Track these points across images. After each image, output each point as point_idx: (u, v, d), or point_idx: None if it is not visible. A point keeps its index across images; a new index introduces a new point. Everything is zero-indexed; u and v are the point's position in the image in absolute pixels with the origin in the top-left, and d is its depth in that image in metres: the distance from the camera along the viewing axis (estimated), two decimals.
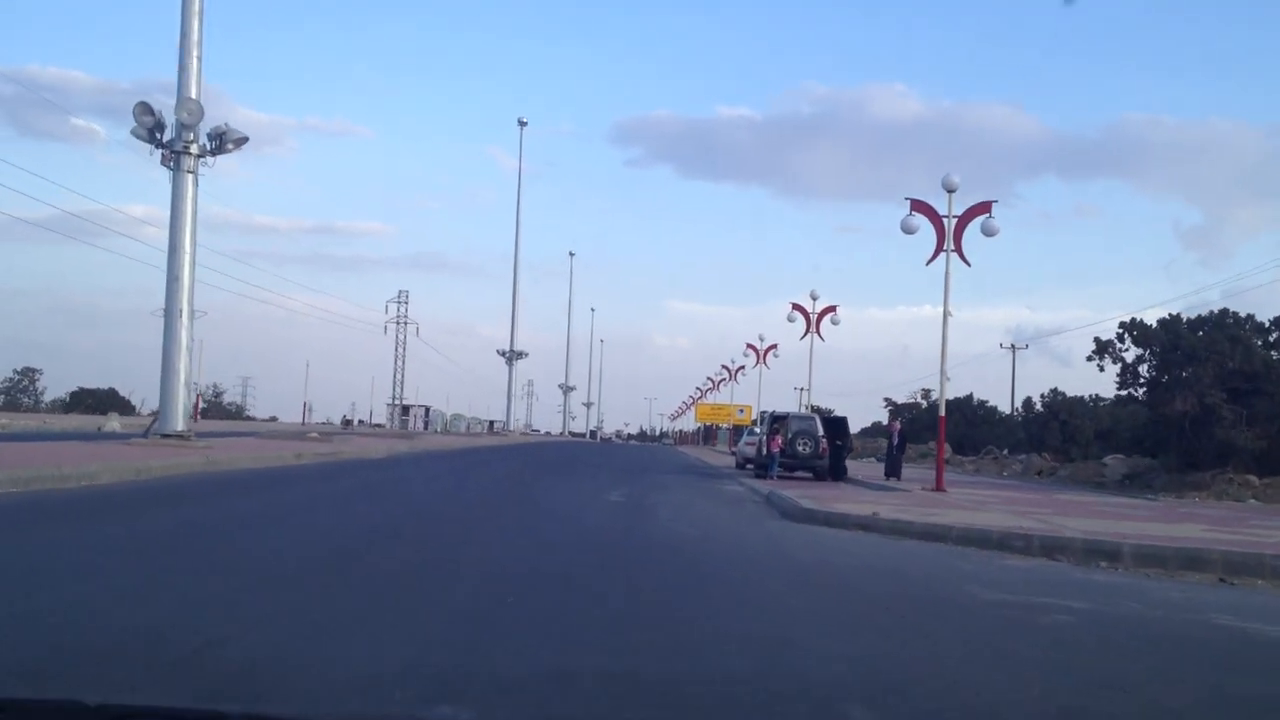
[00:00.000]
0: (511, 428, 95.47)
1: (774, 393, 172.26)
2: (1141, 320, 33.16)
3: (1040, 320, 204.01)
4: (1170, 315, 33.13)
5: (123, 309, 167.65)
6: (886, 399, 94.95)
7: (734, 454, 54.05)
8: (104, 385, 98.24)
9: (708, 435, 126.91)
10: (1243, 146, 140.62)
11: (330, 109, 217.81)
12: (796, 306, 45.62)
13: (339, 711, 3.82)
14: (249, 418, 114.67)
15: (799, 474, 31.75)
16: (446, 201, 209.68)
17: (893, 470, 31.65)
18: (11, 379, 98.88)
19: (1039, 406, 57.63)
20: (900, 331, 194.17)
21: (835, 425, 33.32)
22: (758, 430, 40.15)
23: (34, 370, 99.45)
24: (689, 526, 15.21)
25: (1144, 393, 33.96)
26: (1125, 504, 24.54)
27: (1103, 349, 33.63)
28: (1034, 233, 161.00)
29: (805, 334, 45.36)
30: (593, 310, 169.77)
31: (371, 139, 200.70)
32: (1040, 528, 15.82)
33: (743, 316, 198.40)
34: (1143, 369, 33.30)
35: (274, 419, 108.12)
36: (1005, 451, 53.53)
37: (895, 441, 33.01)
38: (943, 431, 26.01)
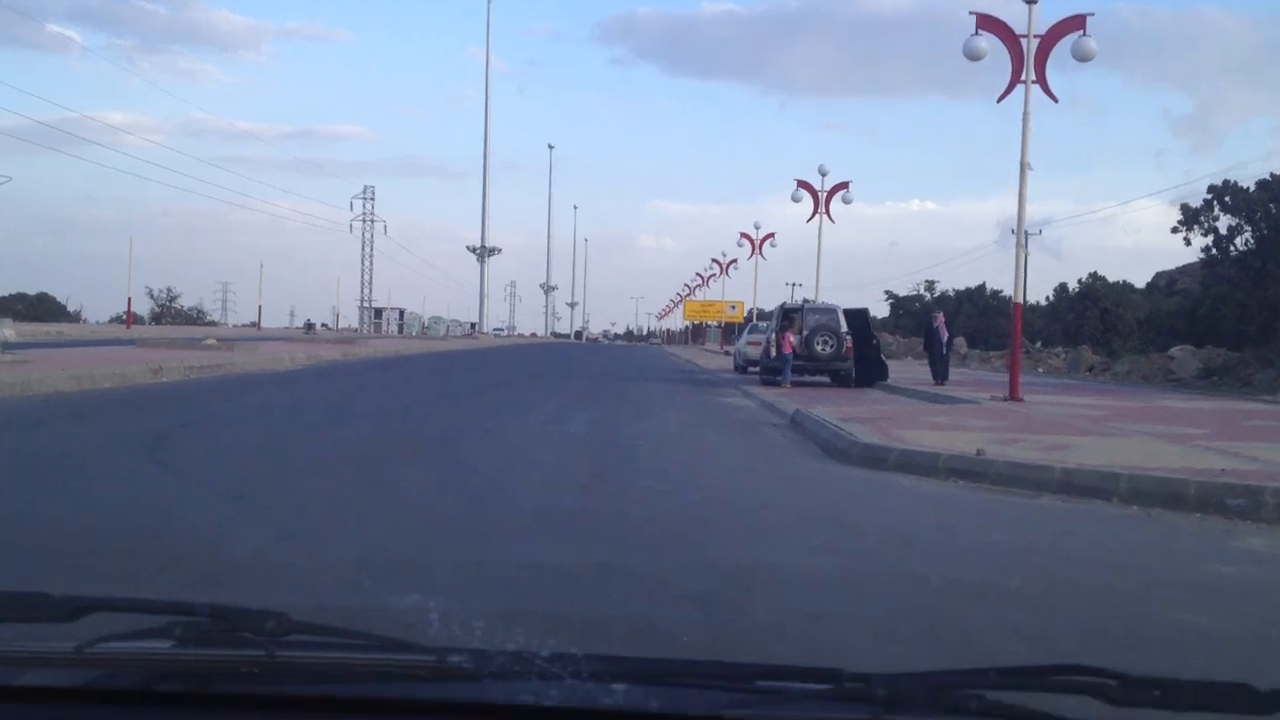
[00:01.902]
0: (486, 330, 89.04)
1: (768, 291, 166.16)
2: (1236, 183, 26.81)
3: (1030, 212, 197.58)
4: (1273, 175, 26.59)
5: (99, 218, 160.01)
6: (888, 291, 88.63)
7: (730, 355, 47.85)
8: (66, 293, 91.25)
9: (696, 334, 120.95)
10: (1232, 35, 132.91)
11: (309, 13, 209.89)
12: (803, 184, 39.03)
13: (306, 603, 3.88)
14: (211, 323, 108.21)
15: (817, 379, 25.64)
16: (428, 105, 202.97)
17: (941, 373, 25.45)
18: None
19: (1073, 292, 51.29)
20: (887, 228, 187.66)
21: (858, 319, 27.05)
22: (762, 326, 33.93)
23: None
24: (689, 491, 9.01)
25: (1234, 270, 27.77)
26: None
27: (1193, 218, 27.31)
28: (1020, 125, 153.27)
29: (813, 215, 38.89)
30: (575, 208, 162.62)
31: (350, 42, 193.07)
32: (1247, 468, 9.80)
33: (730, 215, 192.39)
34: (1238, 241, 27.04)
35: (254, 325, 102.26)
36: (1038, 345, 47.42)
37: (943, 337, 26.61)
38: (1019, 320, 19.76)
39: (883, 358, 26.99)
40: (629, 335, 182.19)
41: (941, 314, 28.58)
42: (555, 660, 1.39)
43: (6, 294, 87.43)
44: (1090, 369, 35.61)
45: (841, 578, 5.70)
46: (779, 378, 24.76)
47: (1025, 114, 18.93)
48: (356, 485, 8.67)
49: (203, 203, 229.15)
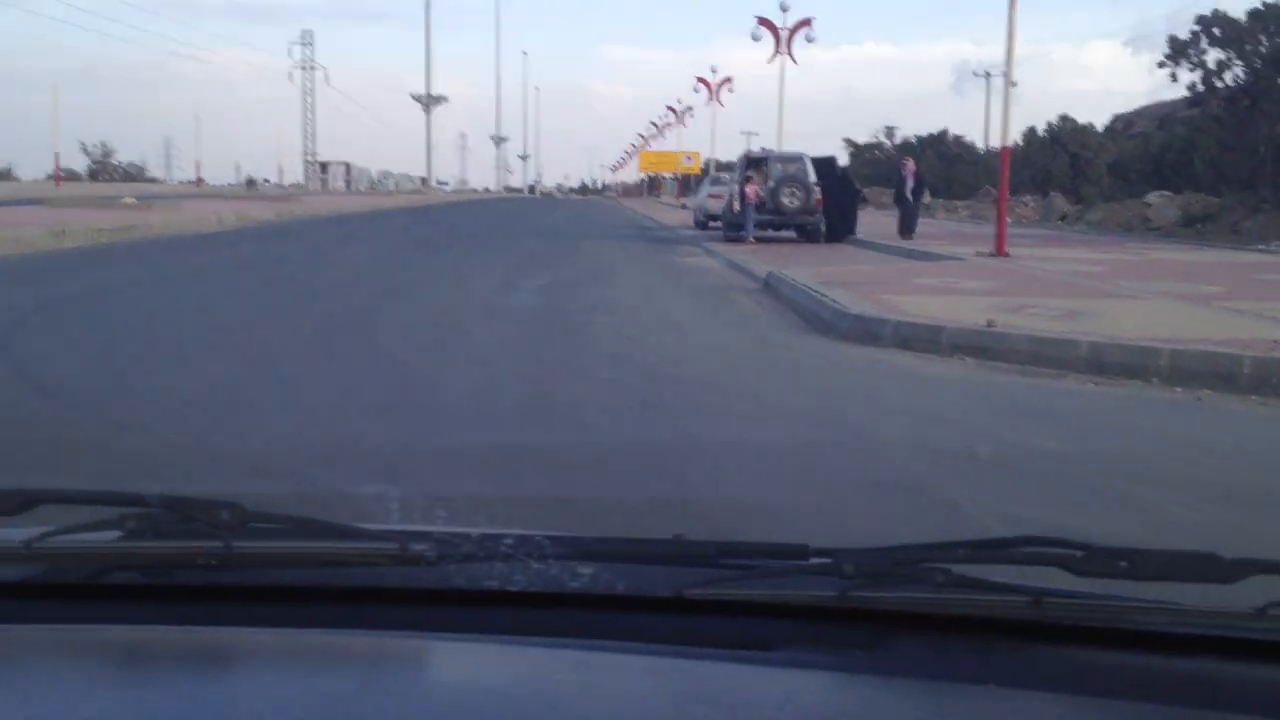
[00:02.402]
0: (434, 184, 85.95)
1: (725, 142, 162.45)
2: (1225, 13, 24.91)
3: (984, 55, 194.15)
4: (1266, 2, 24.65)
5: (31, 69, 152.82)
6: (847, 140, 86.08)
7: (688, 209, 45.98)
8: None
9: (652, 186, 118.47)
10: None
11: None
12: (763, 21, 36.75)
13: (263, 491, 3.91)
14: (151, 180, 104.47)
15: (783, 234, 24.04)
16: None
17: (909, 226, 23.86)
18: None
19: (1042, 135, 49.34)
20: (843, 75, 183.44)
21: (826, 168, 25.32)
22: (724, 178, 32.11)
23: None
24: (658, 384, 7.46)
25: (1223, 109, 26.06)
26: None
27: (1180, 50, 25.44)
28: None
29: (774, 55, 36.75)
30: (524, 54, 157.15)
31: None
32: None
33: (685, 62, 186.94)
34: (1227, 77, 25.27)
35: (196, 182, 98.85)
36: None
37: (911, 186, 24.87)
38: (1006, 167, 18.02)
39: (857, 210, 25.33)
40: (583, 189, 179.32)
41: (911, 161, 26.72)
42: (521, 544, 1.36)
43: None
44: (1063, 217, 34.18)
45: (849, 509, 4.32)
46: (742, 233, 23.17)
47: None
48: (249, 378, 7.09)
49: (140, 53, 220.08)
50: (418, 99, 75.93)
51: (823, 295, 11.08)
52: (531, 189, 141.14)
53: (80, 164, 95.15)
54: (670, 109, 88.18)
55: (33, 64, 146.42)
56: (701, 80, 61.66)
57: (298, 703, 1.09)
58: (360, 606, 1.35)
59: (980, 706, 1.19)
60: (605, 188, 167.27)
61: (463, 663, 1.26)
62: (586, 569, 1.35)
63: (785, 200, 23.13)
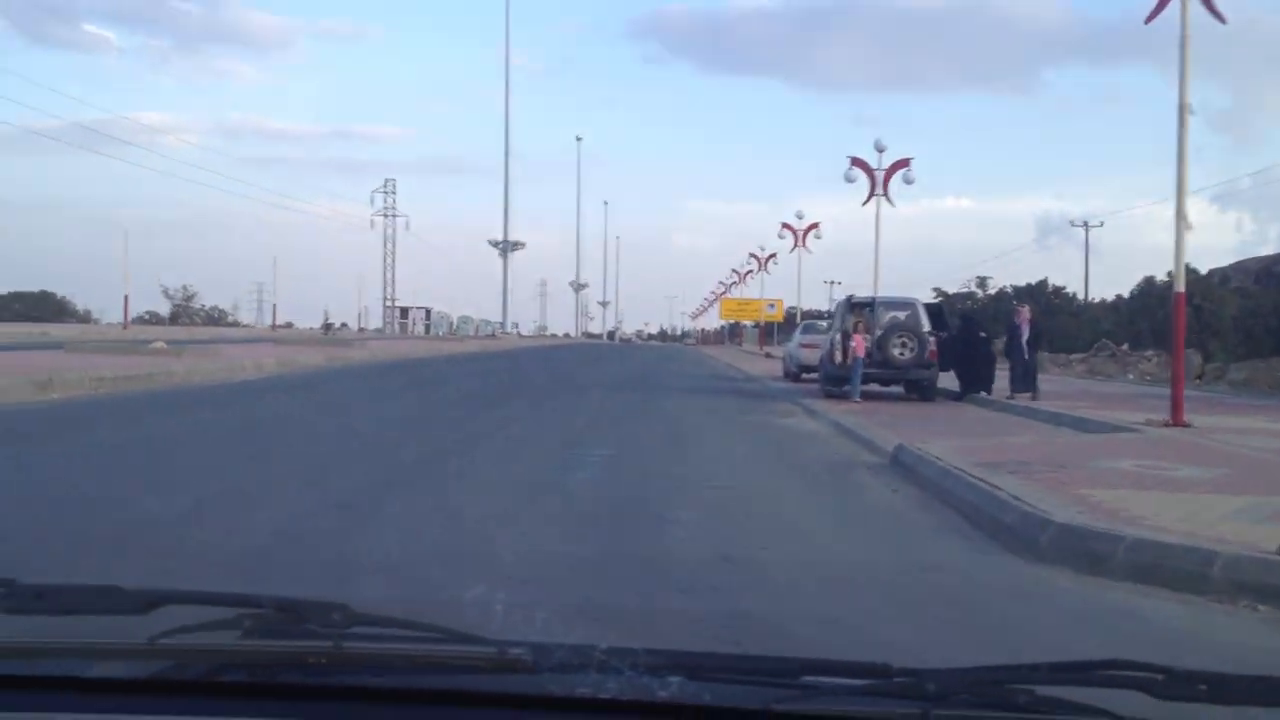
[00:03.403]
0: (509, 329, 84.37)
1: (807, 290, 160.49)
2: None
3: (1067, 208, 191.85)
4: None
5: (128, 219, 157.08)
6: (936, 289, 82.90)
7: (773, 358, 43.07)
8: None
9: (733, 334, 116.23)
10: (1273, 28, 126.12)
11: (341, 10, 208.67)
12: (858, 162, 34.13)
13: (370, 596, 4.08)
14: (233, 323, 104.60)
15: (889, 391, 20.97)
16: (458, 102, 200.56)
17: (1028, 382, 20.51)
18: None
19: (1160, 285, 45.82)
20: (925, 226, 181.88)
21: (938, 315, 22.34)
22: (820, 325, 29.22)
23: None
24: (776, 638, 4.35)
25: None
26: None
27: None
28: (1057, 122, 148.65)
29: (869, 197, 34.03)
30: (606, 204, 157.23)
31: (381, 39, 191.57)
32: None
33: (765, 212, 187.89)
34: None
35: (289, 325, 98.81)
36: (1125, 346, 42.09)
37: (1027, 336, 21.64)
38: (1181, 314, 14.74)
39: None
40: (662, 335, 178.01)
41: (1026, 308, 23.43)
42: (613, 654, 1.39)
43: (5, 292, 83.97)
44: (1199, 375, 30.64)
45: None
46: (845, 388, 20.11)
47: (1184, 38, 14.23)
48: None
49: (239, 203, 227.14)
50: (495, 244, 74.86)
51: (992, 487, 7.94)
52: (611, 335, 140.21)
53: (164, 306, 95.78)
54: (753, 255, 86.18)
55: (132, 212, 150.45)
56: (787, 226, 59.29)
57: None
58: (460, 709, 1.38)
59: None
60: (685, 334, 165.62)
61: None
62: (675, 679, 1.36)
63: (896, 352, 20.08)
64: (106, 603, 1.47)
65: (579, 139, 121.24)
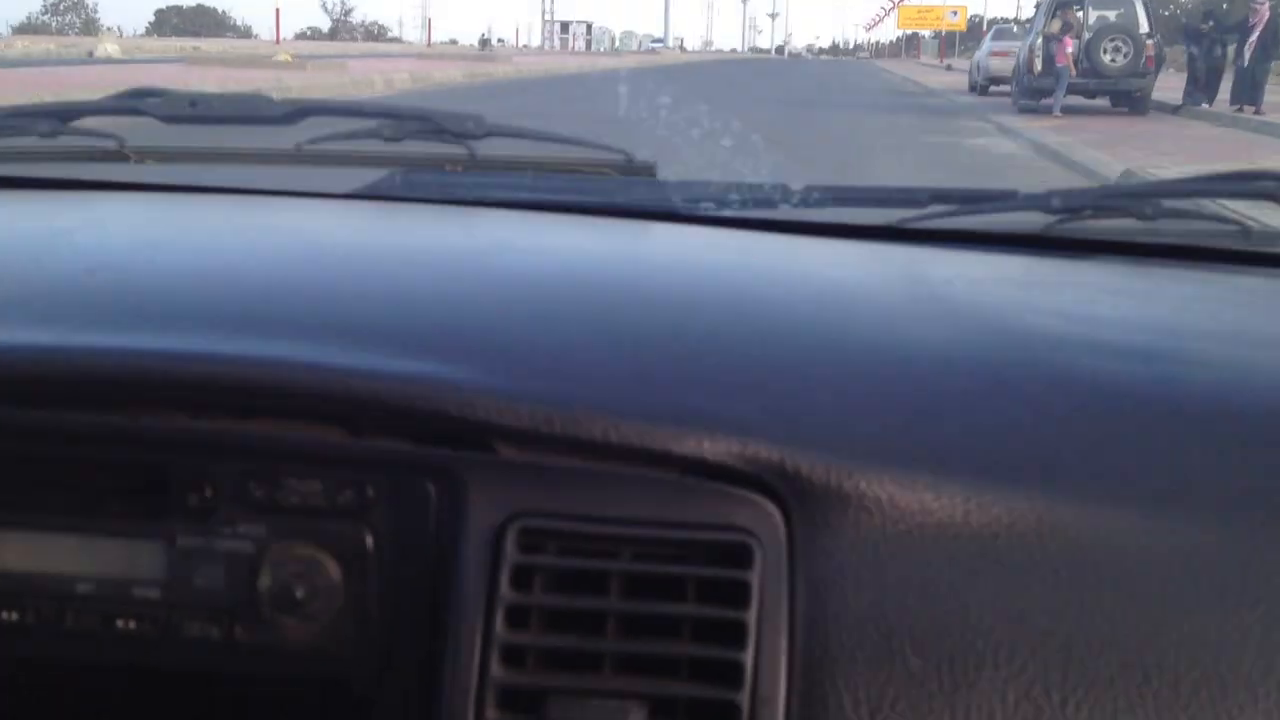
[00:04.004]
0: (670, 45, 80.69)
1: None
2: None
3: None
4: None
5: None
6: None
7: (953, 70, 39.41)
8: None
9: (909, 46, 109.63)
10: None
11: None
12: None
13: None
14: (393, 39, 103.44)
15: (1093, 105, 18.24)
16: None
17: (1249, 92, 17.39)
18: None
19: None
20: None
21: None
22: (1013, 30, 26.02)
23: None
24: None
25: None
26: None
27: None
28: None
29: None
30: None
31: None
32: None
33: None
34: None
35: (454, 42, 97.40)
36: None
37: (1254, 37, 18.20)
38: None
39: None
40: (834, 49, 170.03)
41: (1265, 5, 19.86)
42: (742, 187, 1.37)
43: (164, 5, 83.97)
44: None
45: None
46: (1043, 101, 17.52)
47: None
48: None
49: None
50: None
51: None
52: (780, 50, 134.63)
53: (323, 21, 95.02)
54: None
55: None
56: None
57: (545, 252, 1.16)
58: (585, 216, 1.35)
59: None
60: (858, 48, 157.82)
61: (685, 242, 1.28)
62: (800, 191, 1.33)
63: (1108, 58, 17.23)
64: (255, 111, 1.48)
65: None
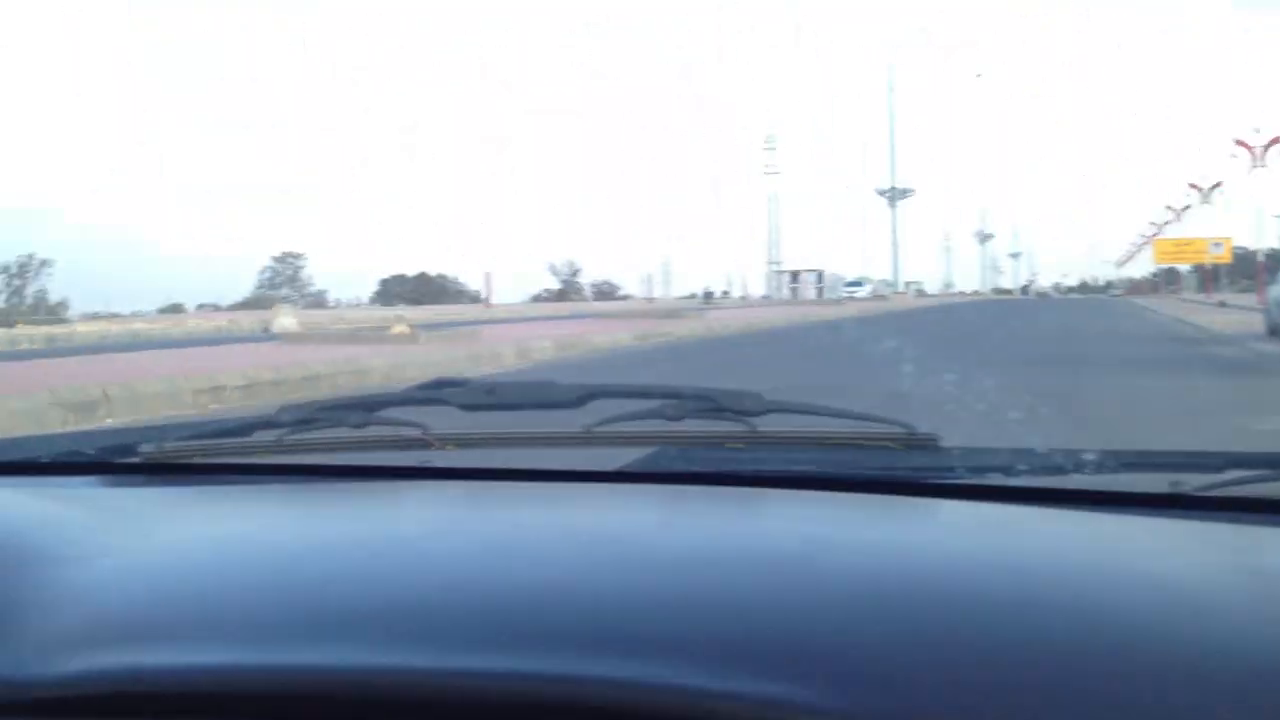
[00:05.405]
0: (902, 289, 76.99)
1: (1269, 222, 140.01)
2: None
3: None
4: None
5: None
6: None
7: (1226, 307, 33.40)
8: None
9: (1168, 281, 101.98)
10: None
11: None
12: None
13: None
14: (623, 297, 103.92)
15: None
16: None
17: None
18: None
19: None
20: None
21: None
22: None
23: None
24: None
25: None
26: None
27: None
28: None
29: None
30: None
31: None
32: None
33: (1206, 135, 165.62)
34: None
35: (692, 296, 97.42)
36: None
37: None
38: None
39: None
40: (1083, 287, 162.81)
41: None
42: (1030, 453, 1.34)
43: (390, 274, 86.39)
44: None
45: None
46: None
47: None
48: None
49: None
50: (882, 192, 67.72)
51: None
52: (1024, 289, 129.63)
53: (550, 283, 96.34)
54: (1192, 185, 73.74)
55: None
56: (1241, 143, 48.32)
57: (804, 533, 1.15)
58: (869, 494, 1.35)
59: None
60: (1109, 285, 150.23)
61: (982, 520, 1.24)
62: (1089, 458, 1.29)
63: None
64: (546, 397, 1.54)
65: (978, 75, 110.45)
